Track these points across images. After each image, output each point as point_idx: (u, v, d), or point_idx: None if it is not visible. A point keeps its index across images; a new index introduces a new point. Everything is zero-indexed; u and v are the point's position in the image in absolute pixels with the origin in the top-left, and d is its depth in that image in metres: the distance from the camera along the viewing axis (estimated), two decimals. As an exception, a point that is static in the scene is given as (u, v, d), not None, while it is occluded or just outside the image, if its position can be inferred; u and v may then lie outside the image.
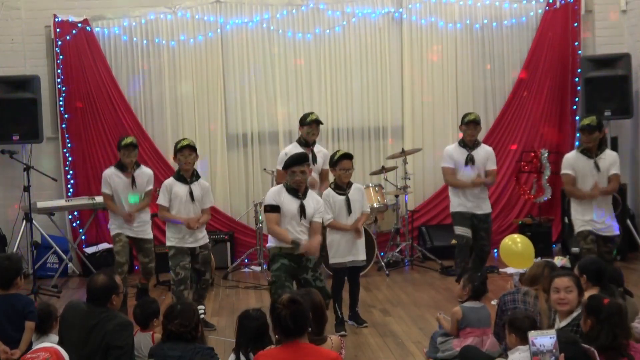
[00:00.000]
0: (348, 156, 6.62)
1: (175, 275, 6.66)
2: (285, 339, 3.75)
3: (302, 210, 6.07)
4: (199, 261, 6.83)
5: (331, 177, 7.01)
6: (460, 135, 7.98)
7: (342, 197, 6.57)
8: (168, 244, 6.79)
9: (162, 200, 6.74)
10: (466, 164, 7.65)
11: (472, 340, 5.41)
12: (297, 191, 6.11)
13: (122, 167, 7.32)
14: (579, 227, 6.92)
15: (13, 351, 4.83)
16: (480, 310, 5.56)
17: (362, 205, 6.70)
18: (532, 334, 4.06)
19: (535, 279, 5.22)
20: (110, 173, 7.36)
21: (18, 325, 4.96)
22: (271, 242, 6.18)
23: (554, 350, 3.98)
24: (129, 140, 7.31)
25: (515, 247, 8.20)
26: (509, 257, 7.82)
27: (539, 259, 8.47)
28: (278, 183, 7.31)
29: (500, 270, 8.51)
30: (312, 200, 6.21)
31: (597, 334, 4.25)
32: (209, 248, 6.99)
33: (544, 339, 4.02)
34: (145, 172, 7.46)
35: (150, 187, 7.46)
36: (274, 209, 6.11)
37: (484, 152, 7.75)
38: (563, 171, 7.07)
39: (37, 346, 4.66)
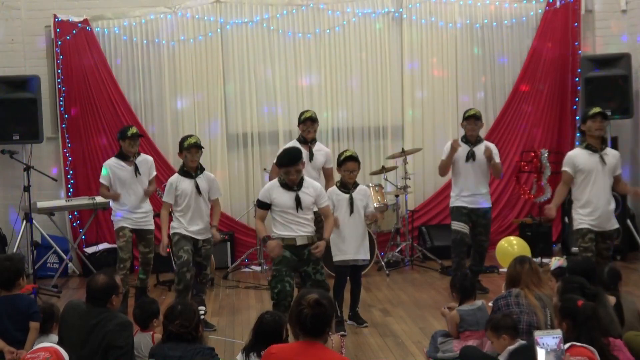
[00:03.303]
0: (353, 158, 6.61)
1: (178, 258, 6.74)
2: (302, 336, 3.74)
3: (297, 201, 6.05)
4: (201, 255, 6.88)
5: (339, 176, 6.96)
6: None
7: (346, 196, 6.58)
8: (172, 231, 6.83)
9: (167, 197, 6.81)
10: (467, 160, 7.65)
11: (473, 342, 5.39)
12: (290, 185, 6.07)
13: (123, 156, 7.34)
14: (577, 224, 6.87)
15: (20, 351, 4.83)
16: (477, 312, 5.52)
17: (367, 205, 6.67)
18: (537, 334, 4.07)
19: (515, 279, 5.21)
20: (112, 163, 7.37)
21: (21, 326, 4.96)
22: (274, 233, 6.15)
23: (557, 350, 3.99)
24: (134, 130, 7.36)
25: (512, 249, 8.20)
26: (505, 259, 7.82)
27: (539, 259, 8.51)
28: (271, 178, 7.36)
29: (500, 270, 8.50)
30: (309, 188, 6.13)
31: (575, 338, 4.23)
32: (211, 243, 7.02)
33: (548, 339, 4.03)
34: (146, 159, 7.50)
35: (154, 173, 7.52)
36: (262, 205, 6.17)
37: (486, 148, 7.73)
38: (563, 168, 7.03)
39: (36, 346, 4.66)
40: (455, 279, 5.83)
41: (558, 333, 4.06)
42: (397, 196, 9.27)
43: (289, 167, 6.04)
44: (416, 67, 9.95)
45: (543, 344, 4.01)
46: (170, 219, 6.87)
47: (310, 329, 3.70)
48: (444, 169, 7.80)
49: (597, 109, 6.90)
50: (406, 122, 9.98)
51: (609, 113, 9.14)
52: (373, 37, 9.91)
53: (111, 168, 7.35)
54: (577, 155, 6.88)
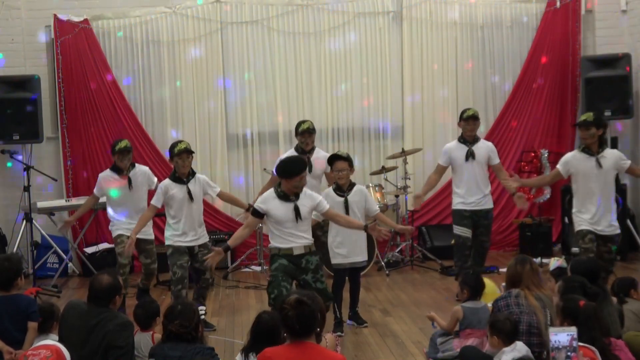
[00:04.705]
0: (340, 157, 6.56)
1: (173, 274, 6.67)
2: (292, 338, 3.76)
3: (297, 212, 6.02)
4: (199, 260, 6.82)
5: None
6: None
7: (341, 199, 6.52)
8: (166, 242, 6.80)
9: (154, 201, 6.75)
10: (467, 159, 7.64)
11: (473, 341, 5.40)
12: (288, 195, 6.03)
13: (117, 170, 7.33)
14: (578, 225, 6.88)
15: (18, 351, 4.82)
16: (480, 311, 5.54)
17: (370, 206, 6.59)
18: (552, 330, 4.09)
19: (515, 280, 5.21)
20: (106, 176, 7.40)
21: (20, 326, 4.96)
22: (271, 243, 6.15)
23: (569, 347, 3.99)
24: (122, 144, 7.30)
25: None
26: None
27: (539, 259, 8.51)
28: (266, 187, 7.32)
29: (501, 270, 8.50)
30: (306, 199, 6.08)
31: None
32: (208, 247, 6.97)
33: (562, 336, 4.05)
34: (141, 171, 7.47)
35: (155, 180, 7.53)
36: (255, 213, 6.09)
37: (485, 147, 7.74)
38: (557, 165, 7.04)
39: (38, 343, 4.65)
40: (468, 276, 5.83)
41: (573, 330, 4.06)
42: (397, 196, 9.27)
43: (301, 175, 5.96)
44: (416, 67, 9.95)
45: (555, 341, 4.03)
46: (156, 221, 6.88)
47: (299, 329, 3.71)
48: (433, 183, 8.03)
49: (581, 118, 6.92)
50: (406, 122, 9.98)
51: (608, 113, 9.22)
52: (373, 37, 9.91)
53: (105, 180, 7.37)
54: (572, 157, 6.90)
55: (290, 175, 5.97)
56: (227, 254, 9.36)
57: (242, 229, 6.28)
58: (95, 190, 7.53)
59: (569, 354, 4.01)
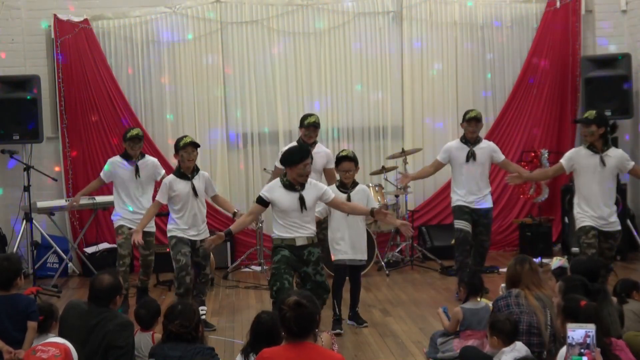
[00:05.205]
0: (347, 158, 6.60)
1: (176, 262, 6.67)
2: (290, 339, 3.76)
3: (302, 202, 6.01)
4: (200, 255, 6.84)
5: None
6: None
7: (344, 196, 6.54)
8: (169, 234, 6.82)
9: (159, 197, 6.78)
10: (467, 159, 7.63)
11: (473, 342, 5.39)
12: (294, 185, 6.03)
13: (127, 156, 7.41)
14: (581, 221, 6.84)
15: (18, 351, 4.82)
16: (480, 311, 5.53)
17: (368, 204, 6.58)
18: (570, 326, 4.08)
19: (515, 280, 5.21)
20: (115, 161, 7.47)
21: (20, 326, 4.95)
22: (274, 233, 6.13)
23: (582, 344, 3.98)
24: (134, 132, 7.41)
25: None
26: None
27: (539, 259, 8.51)
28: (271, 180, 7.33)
29: (500, 270, 8.51)
30: (311, 188, 6.07)
31: None
32: None
33: (578, 332, 4.02)
34: (149, 161, 7.53)
35: (163, 172, 7.55)
36: (260, 201, 6.07)
37: (487, 147, 7.72)
38: (561, 160, 7.02)
39: (46, 340, 4.62)
40: (464, 274, 5.85)
41: (590, 328, 4.04)
42: (397, 196, 9.27)
43: (305, 161, 5.97)
44: (416, 67, 9.95)
45: (570, 337, 4.02)
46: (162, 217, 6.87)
47: (297, 330, 3.72)
48: (426, 174, 8.13)
49: (584, 115, 6.90)
50: (406, 122, 9.98)
51: (608, 113, 9.20)
52: (373, 36, 9.91)
53: (113, 165, 7.43)
54: (576, 153, 6.89)
55: (293, 162, 5.98)
56: (227, 253, 9.39)
57: (246, 216, 6.26)
58: (102, 173, 7.55)
59: (582, 350, 3.99)
